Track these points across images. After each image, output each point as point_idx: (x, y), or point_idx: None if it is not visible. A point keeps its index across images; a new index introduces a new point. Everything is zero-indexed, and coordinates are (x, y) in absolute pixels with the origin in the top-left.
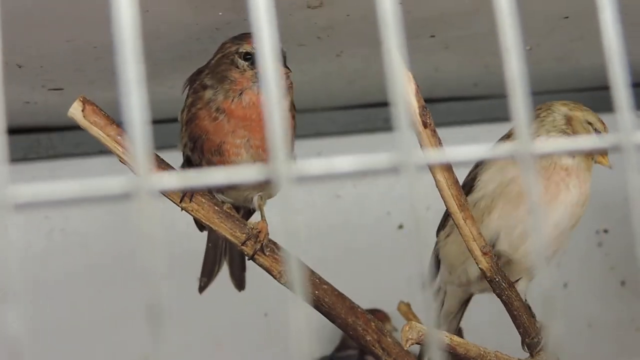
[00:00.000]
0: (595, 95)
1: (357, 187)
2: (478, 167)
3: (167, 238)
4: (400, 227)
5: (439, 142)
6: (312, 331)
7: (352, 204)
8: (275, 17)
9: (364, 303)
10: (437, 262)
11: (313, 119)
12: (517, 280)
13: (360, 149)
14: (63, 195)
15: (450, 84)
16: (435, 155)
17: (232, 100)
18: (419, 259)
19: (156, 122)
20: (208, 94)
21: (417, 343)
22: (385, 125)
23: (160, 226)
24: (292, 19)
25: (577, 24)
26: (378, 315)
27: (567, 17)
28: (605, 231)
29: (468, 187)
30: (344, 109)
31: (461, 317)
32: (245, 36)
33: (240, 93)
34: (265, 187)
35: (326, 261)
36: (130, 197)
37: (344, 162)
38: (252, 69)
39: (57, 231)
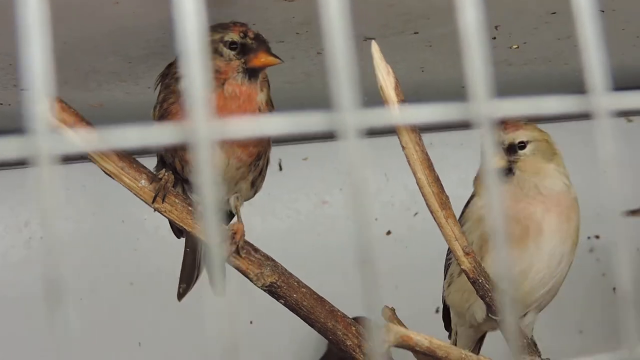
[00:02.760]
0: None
1: (344, 192)
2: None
3: (150, 245)
4: (389, 233)
5: (419, 138)
6: (234, 321)
7: (339, 210)
8: (253, 11)
9: (352, 309)
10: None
11: None
12: (524, 315)
13: None
14: None
15: (438, 85)
16: (377, 115)
17: (213, 91)
18: (358, 228)
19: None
20: (183, 85)
21: (396, 346)
22: (372, 130)
23: (61, 196)
24: (269, 13)
25: (564, 21)
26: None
27: (554, 13)
28: (597, 237)
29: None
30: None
31: (478, 351)
32: (230, 25)
33: (223, 83)
34: (242, 189)
35: (313, 267)
36: (29, 162)
37: (274, 122)
38: (238, 59)
39: (36, 239)
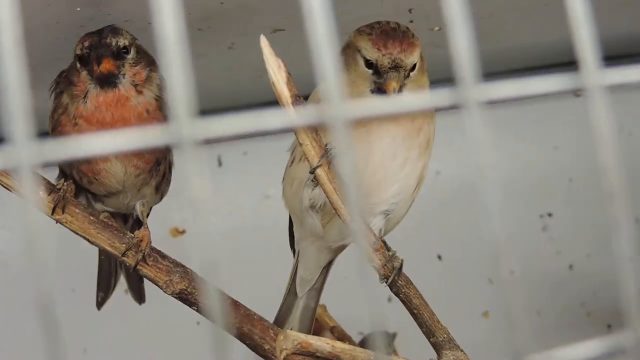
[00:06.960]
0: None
1: None
2: None
3: (91, 251)
4: None
5: (315, 134)
6: None
7: (283, 203)
8: (144, 9)
9: None
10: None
11: None
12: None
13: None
14: None
15: None
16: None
17: (82, 106)
18: None
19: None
20: (65, 99)
21: (295, 353)
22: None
23: None
24: None
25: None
26: None
27: None
28: (550, 215)
29: None
30: (265, 107)
31: (321, 287)
32: (82, 38)
33: (85, 96)
34: (147, 194)
35: (256, 263)
36: None
37: None
38: (84, 70)
39: None
